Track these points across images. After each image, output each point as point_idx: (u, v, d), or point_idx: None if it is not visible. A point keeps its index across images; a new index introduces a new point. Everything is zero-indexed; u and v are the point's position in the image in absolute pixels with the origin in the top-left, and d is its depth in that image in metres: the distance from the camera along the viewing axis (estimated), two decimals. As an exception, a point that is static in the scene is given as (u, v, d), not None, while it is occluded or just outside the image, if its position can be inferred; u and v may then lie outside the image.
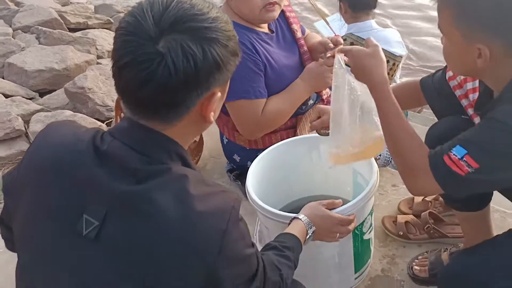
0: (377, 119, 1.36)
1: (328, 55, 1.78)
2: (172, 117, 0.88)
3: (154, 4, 0.85)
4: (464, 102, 1.40)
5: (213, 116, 0.93)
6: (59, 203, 0.88)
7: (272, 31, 1.96)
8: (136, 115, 0.89)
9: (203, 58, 0.83)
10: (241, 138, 2.04)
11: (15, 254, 1.66)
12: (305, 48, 2.04)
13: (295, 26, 2.03)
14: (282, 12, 2.00)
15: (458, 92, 1.41)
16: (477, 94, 1.32)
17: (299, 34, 2.03)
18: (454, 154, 1.06)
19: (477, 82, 1.33)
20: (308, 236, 1.30)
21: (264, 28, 1.94)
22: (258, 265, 0.98)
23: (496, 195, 1.48)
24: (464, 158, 1.04)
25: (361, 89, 1.37)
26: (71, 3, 6.24)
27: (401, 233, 1.82)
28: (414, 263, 1.71)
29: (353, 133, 1.42)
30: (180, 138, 0.92)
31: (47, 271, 0.90)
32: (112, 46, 0.88)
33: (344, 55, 1.36)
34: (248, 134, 1.96)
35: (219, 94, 0.91)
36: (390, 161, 2.11)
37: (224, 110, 1.94)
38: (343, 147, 1.44)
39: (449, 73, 1.42)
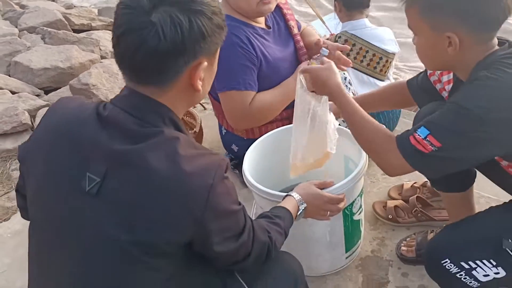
0: (330, 132, 1.54)
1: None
2: (163, 83, 0.99)
3: None
4: (444, 94, 1.50)
5: (201, 85, 1.03)
6: (66, 164, 0.99)
7: (268, 27, 2.06)
8: (132, 82, 1.00)
9: (189, 27, 0.94)
10: (238, 129, 2.13)
11: (23, 239, 1.79)
12: (301, 43, 2.14)
13: (292, 23, 2.13)
14: (280, 9, 2.10)
15: (438, 86, 1.51)
16: (451, 85, 1.42)
17: (295, 30, 2.13)
18: (418, 135, 1.15)
19: (451, 74, 1.42)
20: (299, 212, 1.39)
21: (261, 23, 2.03)
22: (246, 222, 1.07)
23: (483, 182, 1.57)
24: (428, 138, 1.14)
25: (318, 106, 1.52)
26: (74, 6, 6.36)
27: (391, 217, 1.91)
28: (402, 244, 1.80)
29: (310, 145, 1.57)
30: (173, 105, 1.02)
31: (54, 225, 1.00)
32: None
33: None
34: (234, 124, 2.02)
35: (205, 63, 1.01)
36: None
37: (218, 100, 2.03)
38: (305, 157, 1.59)
39: (430, 70, 1.52)
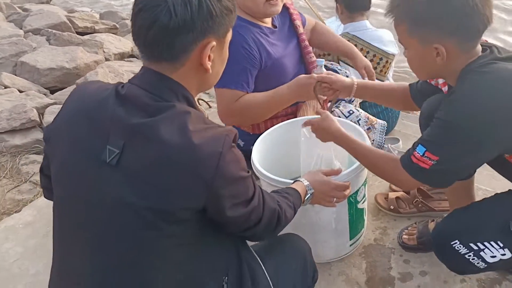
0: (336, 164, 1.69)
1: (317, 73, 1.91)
2: (174, 59, 1.06)
3: None
4: (444, 89, 1.59)
5: (210, 65, 1.10)
6: (87, 139, 1.06)
7: (275, 26, 2.13)
8: (147, 60, 1.08)
9: (198, 6, 1.02)
10: (228, 125, 2.18)
11: (34, 230, 1.87)
12: (306, 42, 2.22)
13: (298, 22, 2.21)
14: (287, 9, 2.18)
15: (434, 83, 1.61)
16: (446, 87, 1.52)
17: (301, 30, 2.21)
18: (417, 152, 1.29)
19: None
20: (307, 197, 1.45)
21: (268, 23, 2.11)
22: (255, 189, 1.13)
23: (481, 176, 1.65)
24: (425, 154, 1.27)
25: (322, 150, 1.69)
26: (76, 11, 6.45)
27: (392, 207, 1.99)
28: (403, 233, 1.88)
29: None
30: (186, 83, 1.09)
31: (76, 195, 1.07)
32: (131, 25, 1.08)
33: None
34: (222, 119, 2.07)
35: (214, 43, 1.08)
36: (383, 145, 2.28)
37: None
38: None
39: (422, 80, 1.62)
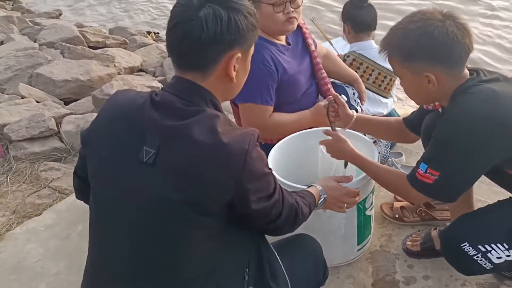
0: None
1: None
2: (204, 68, 1.18)
3: None
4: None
5: (235, 75, 1.22)
6: (126, 140, 1.18)
7: (288, 44, 2.28)
8: (179, 69, 1.20)
9: (228, 21, 1.15)
10: (269, 138, 2.31)
11: (55, 232, 1.99)
12: (318, 59, 2.36)
13: (310, 41, 2.35)
14: (300, 27, 2.33)
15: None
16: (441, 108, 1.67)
17: (313, 47, 2.35)
18: (421, 169, 1.44)
19: None
20: (320, 201, 1.56)
21: (282, 40, 2.25)
22: (276, 185, 1.25)
23: (479, 189, 1.78)
24: (428, 170, 1.42)
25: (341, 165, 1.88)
26: (84, 26, 6.62)
27: (397, 216, 2.11)
28: (407, 240, 1.99)
29: None
30: (214, 90, 1.21)
31: (114, 192, 1.18)
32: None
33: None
34: None
35: (239, 55, 1.20)
36: (388, 158, 2.41)
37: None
38: None
39: (419, 105, 1.78)
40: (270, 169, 1.22)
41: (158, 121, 1.14)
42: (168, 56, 1.25)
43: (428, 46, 1.37)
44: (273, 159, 1.92)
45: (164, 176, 1.12)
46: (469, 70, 1.48)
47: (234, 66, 1.21)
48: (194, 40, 1.13)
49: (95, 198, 1.24)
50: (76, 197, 1.47)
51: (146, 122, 1.16)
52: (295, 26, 2.15)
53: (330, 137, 1.78)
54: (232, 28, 1.16)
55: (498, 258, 1.50)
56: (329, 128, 1.86)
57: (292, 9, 2.07)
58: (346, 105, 1.88)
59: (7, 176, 2.79)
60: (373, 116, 2.01)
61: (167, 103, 1.16)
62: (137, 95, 1.25)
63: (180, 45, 1.16)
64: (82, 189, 1.38)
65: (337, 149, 1.74)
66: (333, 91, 1.92)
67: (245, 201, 1.16)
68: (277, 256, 1.36)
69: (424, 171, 1.42)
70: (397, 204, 2.14)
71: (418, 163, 1.46)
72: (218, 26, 1.13)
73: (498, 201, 1.62)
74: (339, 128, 1.94)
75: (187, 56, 1.18)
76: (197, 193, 1.11)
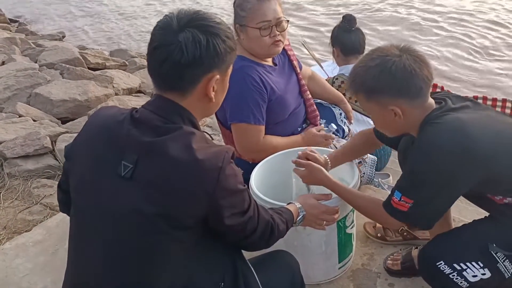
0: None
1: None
2: (183, 89, 1.23)
3: (181, 11, 1.25)
4: None
5: (213, 95, 1.27)
6: (105, 155, 1.22)
7: (275, 64, 2.34)
8: (159, 89, 1.25)
9: (207, 45, 1.20)
10: (245, 158, 2.36)
11: (43, 248, 2.01)
12: (303, 81, 2.42)
13: (295, 63, 2.42)
14: (285, 50, 2.40)
15: None
16: None
17: (298, 69, 2.42)
18: (395, 197, 1.49)
19: None
20: (299, 218, 1.59)
21: (269, 61, 2.31)
22: (250, 201, 1.28)
23: (464, 211, 1.81)
24: (402, 199, 1.47)
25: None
26: (87, 48, 6.75)
27: (379, 235, 2.13)
28: (388, 259, 2.02)
29: None
30: (192, 109, 1.26)
31: (92, 204, 1.22)
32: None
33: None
34: (243, 153, 2.26)
35: (217, 76, 1.25)
36: (373, 179, 2.44)
37: (228, 128, 2.29)
38: None
39: (391, 136, 1.77)
40: (244, 186, 1.26)
41: (137, 137, 1.19)
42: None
43: (387, 82, 1.43)
44: (257, 176, 1.95)
45: (140, 190, 1.16)
46: (437, 98, 1.53)
47: (213, 87, 1.26)
48: (173, 63, 1.18)
49: (75, 210, 1.28)
50: (60, 209, 1.51)
51: (125, 138, 1.20)
52: (281, 48, 2.21)
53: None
54: (210, 52, 1.20)
55: (473, 276, 1.52)
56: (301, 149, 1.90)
57: (278, 33, 2.14)
58: (317, 156, 1.88)
59: (0, 192, 2.83)
60: (341, 148, 2.04)
61: (146, 120, 1.21)
62: (118, 111, 1.29)
63: (160, 68, 1.20)
64: (65, 202, 1.42)
65: (312, 179, 1.79)
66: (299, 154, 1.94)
67: (218, 216, 1.20)
68: (254, 271, 1.39)
69: (398, 199, 1.47)
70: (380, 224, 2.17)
71: (393, 191, 1.50)
72: (197, 51, 1.18)
73: (474, 220, 1.65)
74: (322, 148, 1.99)
75: (167, 79, 1.22)
76: (171, 208, 1.15)
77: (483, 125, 1.45)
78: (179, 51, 1.17)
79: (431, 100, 1.51)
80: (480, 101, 1.60)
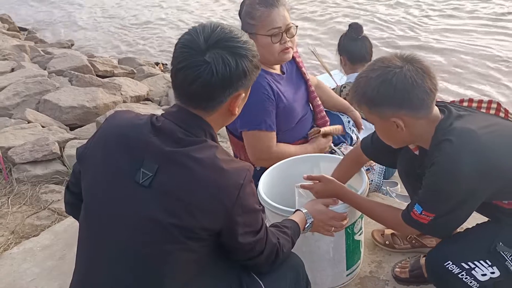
0: None
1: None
2: (209, 108, 1.24)
3: (205, 27, 1.24)
4: None
5: (237, 111, 1.30)
6: (122, 161, 1.22)
7: (283, 73, 2.34)
8: (184, 104, 1.25)
9: (236, 67, 1.21)
10: (257, 165, 2.36)
11: (51, 252, 2.01)
12: (312, 88, 2.43)
13: (304, 70, 2.42)
14: (293, 58, 2.41)
15: None
16: (417, 151, 1.68)
17: (307, 76, 2.42)
18: (416, 210, 1.49)
19: None
20: (307, 225, 1.59)
21: (277, 69, 2.31)
22: (263, 223, 1.30)
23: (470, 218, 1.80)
24: (423, 213, 1.47)
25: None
26: (95, 56, 6.81)
27: (387, 243, 2.12)
28: (397, 266, 2.00)
29: None
30: (214, 123, 1.28)
31: (107, 209, 1.22)
32: (172, 56, 1.26)
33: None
34: (255, 160, 2.25)
35: (243, 94, 1.28)
36: (381, 187, 2.44)
37: (237, 135, 2.29)
38: None
39: (396, 147, 1.75)
40: (260, 206, 1.28)
41: (158, 145, 1.19)
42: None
43: (388, 93, 1.41)
44: (265, 183, 1.96)
45: (158, 199, 1.16)
46: (438, 106, 1.51)
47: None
48: (203, 85, 1.19)
49: (87, 214, 1.28)
50: (66, 211, 1.51)
51: (144, 145, 1.20)
52: (291, 55, 2.22)
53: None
54: (239, 73, 1.22)
55: (483, 275, 1.51)
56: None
57: (288, 39, 2.15)
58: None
59: (9, 197, 2.85)
60: (336, 169, 2.00)
61: (169, 131, 1.21)
62: (136, 116, 1.29)
63: (189, 88, 1.20)
64: (73, 204, 1.43)
65: (327, 191, 1.75)
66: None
67: (233, 233, 1.21)
68: (260, 281, 1.39)
69: (419, 212, 1.47)
70: (388, 231, 2.16)
71: (413, 203, 1.50)
72: (227, 72, 1.19)
73: (477, 224, 1.64)
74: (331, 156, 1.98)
75: (195, 98, 1.23)
76: (189, 219, 1.15)
77: (496, 135, 1.45)
78: (209, 72, 1.18)
79: (436, 110, 1.49)
80: (465, 104, 1.59)
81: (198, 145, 1.19)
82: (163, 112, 1.33)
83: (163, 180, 1.17)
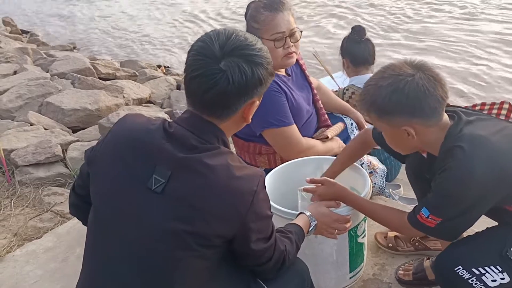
0: None
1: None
2: (224, 116, 1.24)
3: (219, 34, 1.23)
4: None
5: (250, 118, 1.30)
6: (134, 166, 1.21)
7: (288, 74, 2.34)
8: (198, 111, 1.24)
9: (252, 75, 1.20)
10: (261, 161, 2.36)
11: (54, 254, 1.99)
12: (315, 91, 2.43)
13: (307, 72, 2.43)
14: (297, 60, 2.41)
15: None
16: (425, 154, 1.69)
17: (310, 79, 2.43)
18: (423, 213, 1.48)
19: None
20: (310, 228, 1.59)
21: (282, 72, 2.31)
22: (273, 230, 1.30)
23: (477, 222, 1.80)
24: (430, 216, 1.46)
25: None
26: (97, 59, 6.82)
27: (391, 245, 2.12)
28: (400, 269, 2.00)
29: None
30: (227, 130, 1.27)
31: (118, 215, 1.21)
32: (185, 63, 1.24)
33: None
34: (288, 156, 2.20)
35: (257, 102, 1.28)
36: (384, 190, 2.43)
37: (242, 137, 2.29)
38: None
39: (405, 154, 1.78)
40: (272, 212, 1.28)
41: (171, 151, 1.18)
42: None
43: (400, 102, 1.39)
44: (268, 184, 1.94)
45: (171, 206, 1.16)
46: (448, 111, 1.50)
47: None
48: (219, 93, 1.17)
49: (96, 217, 1.27)
50: (70, 212, 1.50)
51: (157, 151, 1.19)
52: (295, 60, 2.22)
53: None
54: (255, 81, 1.21)
55: (493, 281, 1.50)
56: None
57: (291, 44, 2.14)
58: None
59: (11, 200, 2.85)
60: (338, 157, 2.01)
61: (181, 137, 1.20)
62: (148, 121, 1.27)
63: (204, 96, 1.19)
64: (78, 206, 1.42)
65: (330, 194, 1.74)
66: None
67: (246, 239, 1.21)
68: (263, 284, 1.39)
69: (426, 216, 1.46)
70: (391, 234, 2.15)
71: (420, 207, 1.49)
72: (243, 81, 1.18)
73: (487, 228, 1.64)
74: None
75: (210, 106, 1.21)
76: (202, 226, 1.15)
77: (506, 140, 1.44)
78: (225, 81, 1.17)
79: (445, 117, 1.48)
80: (478, 108, 1.59)
81: (211, 152, 1.19)
82: (167, 113, 1.32)
83: (176, 186, 1.16)
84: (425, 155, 1.65)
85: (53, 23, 9.80)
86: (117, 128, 1.30)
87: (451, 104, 1.60)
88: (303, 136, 2.29)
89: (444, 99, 1.42)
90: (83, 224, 1.42)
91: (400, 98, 1.39)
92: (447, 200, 1.43)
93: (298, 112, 2.26)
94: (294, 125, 2.19)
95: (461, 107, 1.58)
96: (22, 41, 7.73)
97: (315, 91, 2.43)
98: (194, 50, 1.22)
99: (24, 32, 8.97)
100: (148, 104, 4.92)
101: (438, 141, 1.46)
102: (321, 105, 2.44)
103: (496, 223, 1.65)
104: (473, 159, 1.38)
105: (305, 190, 1.83)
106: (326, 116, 2.45)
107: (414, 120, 1.42)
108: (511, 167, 1.40)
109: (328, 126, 2.44)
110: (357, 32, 2.93)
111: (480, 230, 2.10)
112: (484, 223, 1.66)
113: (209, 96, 1.18)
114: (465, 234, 1.71)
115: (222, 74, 1.16)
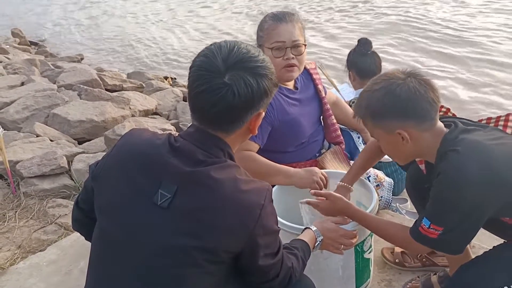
0: None
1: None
2: (230, 130, 1.23)
3: (221, 47, 1.22)
4: None
5: (256, 129, 1.29)
6: (140, 181, 1.19)
7: (296, 88, 2.28)
8: (204, 125, 1.23)
9: (257, 88, 1.19)
10: None
11: (57, 267, 1.96)
12: (328, 106, 2.38)
13: (320, 87, 2.37)
14: (310, 74, 2.37)
15: None
16: (423, 165, 1.68)
17: (323, 94, 2.38)
18: (424, 224, 1.46)
19: None
20: (317, 243, 1.57)
21: (289, 85, 2.25)
22: (280, 245, 1.28)
23: (482, 236, 1.77)
24: (431, 226, 1.44)
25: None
26: (104, 70, 6.86)
27: (398, 261, 2.08)
28: (407, 285, 1.96)
29: None
30: (232, 143, 1.26)
31: (124, 231, 1.19)
32: (188, 79, 1.23)
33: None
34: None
35: (263, 113, 1.27)
36: (390, 203, 2.40)
37: None
38: None
39: (402, 164, 1.75)
40: (279, 227, 1.26)
41: (177, 166, 1.16)
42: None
43: (393, 104, 1.42)
44: (273, 198, 1.93)
45: (177, 221, 1.14)
46: (446, 121, 1.51)
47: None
48: (225, 107, 1.17)
49: (101, 233, 1.25)
50: (73, 227, 1.48)
51: (163, 166, 1.18)
52: (295, 74, 2.15)
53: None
54: (261, 93, 1.21)
55: None
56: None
57: (292, 56, 2.08)
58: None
59: (16, 211, 2.85)
60: (355, 164, 1.98)
61: (187, 151, 1.19)
62: (153, 136, 1.27)
63: (210, 110, 1.18)
64: (81, 221, 1.40)
65: (335, 210, 1.73)
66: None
67: (254, 254, 1.19)
68: None
69: (427, 226, 1.45)
70: (398, 249, 2.12)
71: (421, 218, 1.48)
72: (249, 94, 1.18)
73: (494, 246, 1.60)
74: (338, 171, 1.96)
75: (217, 120, 1.21)
76: (209, 241, 1.13)
77: (504, 148, 1.42)
78: (231, 94, 1.16)
79: (440, 124, 1.49)
80: (492, 121, 1.57)
81: (218, 165, 1.17)
82: (173, 125, 1.31)
83: (182, 201, 1.14)
84: (423, 167, 1.63)
85: (61, 35, 9.88)
86: (122, 143, 1.29)
87: (455, 115, 1.59)
88: (307, 154, 2.26)
89: (435, 103, 1.45)
90: (86, 239, 1.40)
91: (392, 100, 1.42)
92: (443, 204, 1.42)
93: (296, 126, 2.20)
94: (251, 142, 2.06)
95: (462, 118, 1.57)
96: (30, 53, 7.80)
97: (327, 106, 2.38)
98: (197, 65, 1.21)
99: (32, 43, 9.06)
100: (154, 116, 4.92)
101: (434, 147, 1.46)
102: (334, 121, 2.40)
103: (501, 240, 1.61)
104: (467, 161, 1.37)
105: (308, 203, 1.81)
106: (339, 132, 2.41)
107: (407, 123, 1.43)
108: (507, 174, 1.38)
109: (339, 143, 2.41)
110: (363, 44, 2.92)
111: (487, 246, 2.09)
112: (490, 237, 1.63)
113: (216, 110, 1.17)
114: (473, 255, 1.69)
115: (228, 88, 1.15)
